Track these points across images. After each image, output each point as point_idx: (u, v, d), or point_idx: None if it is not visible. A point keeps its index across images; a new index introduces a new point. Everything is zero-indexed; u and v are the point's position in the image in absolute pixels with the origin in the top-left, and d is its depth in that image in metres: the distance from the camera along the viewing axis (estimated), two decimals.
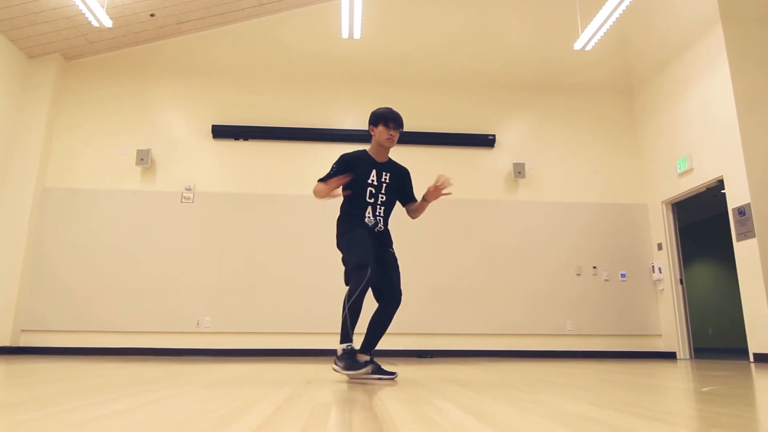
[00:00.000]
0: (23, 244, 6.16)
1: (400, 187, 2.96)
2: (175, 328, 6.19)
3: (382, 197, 2.85)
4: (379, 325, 2.73)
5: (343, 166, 2.84)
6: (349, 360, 2.48)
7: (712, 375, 3.23)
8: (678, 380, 2.79)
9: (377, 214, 2.83)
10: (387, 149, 2.92)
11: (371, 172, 2.84)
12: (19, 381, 2.31)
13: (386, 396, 1.85)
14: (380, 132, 2.86)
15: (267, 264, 6.42)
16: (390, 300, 2.72)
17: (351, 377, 2.55)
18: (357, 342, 2.55)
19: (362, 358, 2.58)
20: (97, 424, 1.16)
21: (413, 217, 3.10)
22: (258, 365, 4.01)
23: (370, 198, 2.82)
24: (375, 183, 2.83)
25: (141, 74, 6.93)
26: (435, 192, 2.85)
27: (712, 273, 11.39)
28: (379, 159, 2.91)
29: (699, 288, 11.45)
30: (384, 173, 2.87)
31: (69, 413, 1.32)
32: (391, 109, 2.90)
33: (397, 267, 2.82)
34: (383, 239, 2.85)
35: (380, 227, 2.83)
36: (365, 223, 2.79)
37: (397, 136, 2.89)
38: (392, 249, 2.90)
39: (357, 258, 2.58)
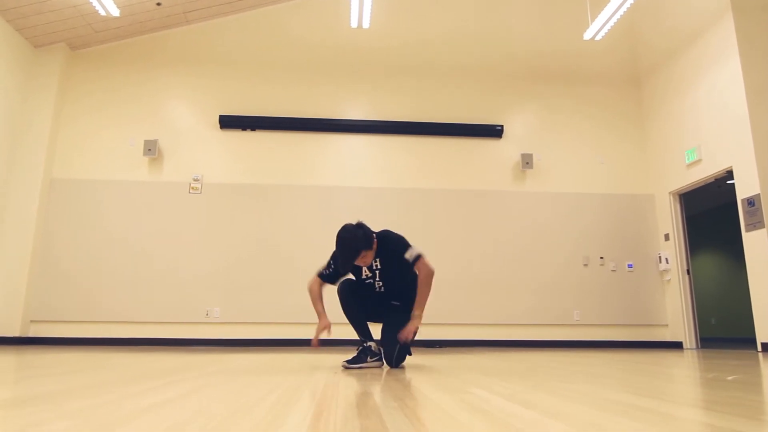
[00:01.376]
0: (31, 235, 6.14)
1: (397, 264, 2.80)
2: (184, 319, 6.20)
3: (379, 284, 2.87)
4: None
5: (334, 271, 2.87)
6: (357, 355, 2.79)
7: (726, 364, 3.25)
8: (697, 369, 2.81)
9: (378, 293, 2.90)
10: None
11: (362, 269, 2.86)
12: (45, 371, 2.31)
13: (421, 385, 1.85)
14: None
15: (275, 254, 6.42)
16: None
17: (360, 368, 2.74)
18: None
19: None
20: (154, 412, 1.16)
21: None
22: (273, 355, 4.02)
23: (367, 281, 2.90)
24: (369, 274, 2.86)
25: (147, 64, 6.88)
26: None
27: (716, 263, 11.44)
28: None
29: (702, 278, 11.49)
30: (373, 262, 2.82)
31: (119, 401, 1.32)
32: (338, 244, 2.67)
33: (394, 323, 2.81)
34: (386, 297, 2.91)
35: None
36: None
37: (364, 261, 2.71)
38: (396, 302, 2.90)
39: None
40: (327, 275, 2.86)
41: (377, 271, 2.83)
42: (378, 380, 2.05)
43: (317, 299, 2.84)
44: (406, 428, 1.02)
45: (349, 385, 1.86)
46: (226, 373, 2.26)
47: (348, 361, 2.70)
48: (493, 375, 2.30)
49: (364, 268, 2.85)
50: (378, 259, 2.80)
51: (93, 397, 1.43)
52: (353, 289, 2.87)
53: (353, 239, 2.63)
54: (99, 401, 1.34)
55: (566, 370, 2.59)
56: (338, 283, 2.89)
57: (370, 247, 2.68)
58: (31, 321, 6.07)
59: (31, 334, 6.05)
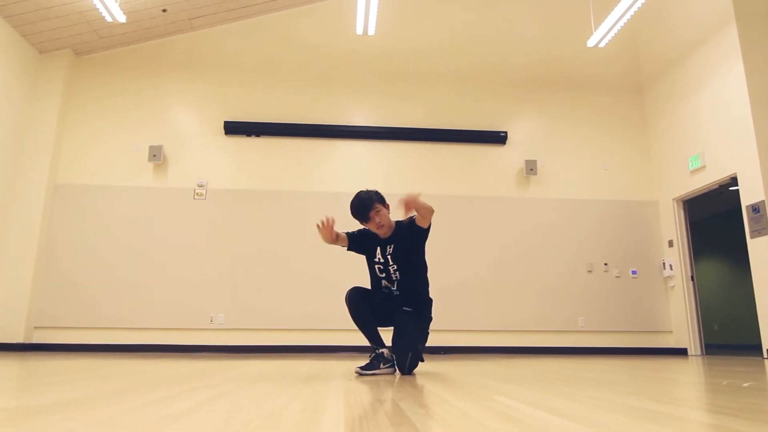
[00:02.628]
0: (35, 241, 6.13)
1: (410, 240, 2.90)
2: (188, 325, 6.18)
3: (392, 267, 2.93)
4: None
5: (357, 236, 2.99)
6: (370, 361, 2.78)
7: (735, 371, 3.25)
8: (708, 376, 2.81)
9: (393, 281, 2.95)
10: (383, 232, 2.90)
11: (376, 251, 2.96)
12: (56, 378, 2.30)
13: (441, 392, 1.85)
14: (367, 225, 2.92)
15: (280, 260, 6.41)
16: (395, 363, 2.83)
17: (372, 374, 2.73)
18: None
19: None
20: (186, 419, 1.16)
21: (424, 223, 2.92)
22: (280, 361, 4.01)
23: (381, 273, 2.97)
24: (381, 260, 2.95)
25: (152, 70, 6.90)
26: (406, 207, 2.64)
27: (719, 269, 11.44)
28: (382, 235, 2.92)
29: (704, 284, 11.50)
30: (388, 246, 2.93)
31: (145, 408, 1.31)
32: (352, 202, 2.84)
33: (405, 330, 2.84)
34: (399, 299, 2.95)
35: (395, 292, 2.96)
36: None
37: (379, 218, 2.82)
38: (408, 308, 2.92)
39: None
40: (351, 233, 2.98)
41: (390, 257, 2.91)
42: (394, 387, 2.04)
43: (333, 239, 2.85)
44: None
45: (368, 391, 1.85)
46: (241, 380, 2.25)
47: (361, 368, 2.70)
48: (507, 381, 2.29)
49: (377, 253, 2.92)
50: (392, 245, 2.90)
51: (117, 404, 1.42)
52: (362, 297, 2.87)
53: (367, 193, 2.86)
54: (124, 408, 1.33)
55: (577, 377, 2.59)
56: (346, 292, 2.86)
57: (383, 203, 2.86)
58: (35, 327, 6.05)
59: (34, 341, 6.02)
